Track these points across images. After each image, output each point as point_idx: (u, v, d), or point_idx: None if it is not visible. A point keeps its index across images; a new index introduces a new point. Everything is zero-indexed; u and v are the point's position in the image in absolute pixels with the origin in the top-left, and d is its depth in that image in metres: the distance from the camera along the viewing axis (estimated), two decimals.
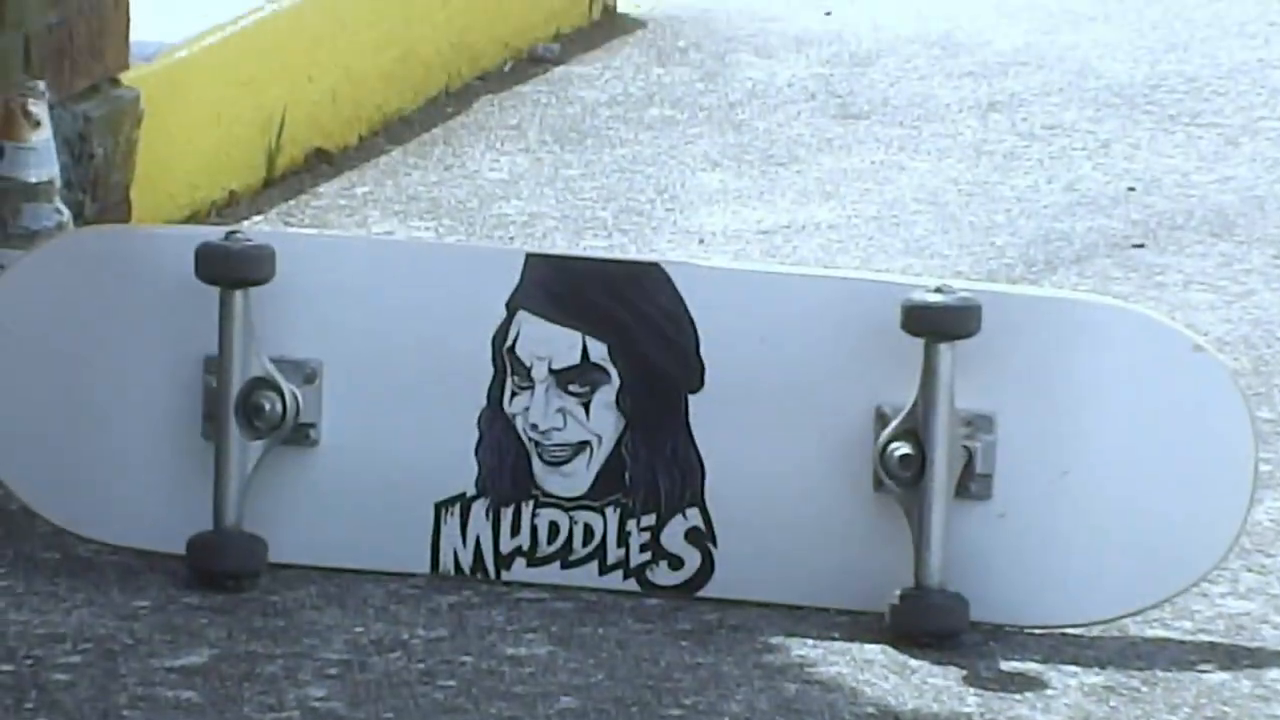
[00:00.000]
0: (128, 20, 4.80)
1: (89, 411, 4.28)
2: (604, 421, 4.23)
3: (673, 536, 4.15)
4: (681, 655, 4.02)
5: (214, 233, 4.27)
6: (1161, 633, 4.00)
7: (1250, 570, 4.03)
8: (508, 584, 4.18)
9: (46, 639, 3.97)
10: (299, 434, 4.23)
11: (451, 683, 3.92)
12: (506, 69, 5.30)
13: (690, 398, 4.15)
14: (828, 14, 5.39)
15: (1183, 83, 5.23)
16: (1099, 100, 5.11)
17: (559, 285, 4.24)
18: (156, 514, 4.19)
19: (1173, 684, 3.99)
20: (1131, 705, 3.91)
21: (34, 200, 4.55)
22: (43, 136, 4.59)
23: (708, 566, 4.12)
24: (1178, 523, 4.08)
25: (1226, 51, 5.38)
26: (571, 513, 4.18)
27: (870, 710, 3.86)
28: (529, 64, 5.29)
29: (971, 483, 3.97)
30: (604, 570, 4.15)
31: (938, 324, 3.96)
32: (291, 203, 4.85)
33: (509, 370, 4.25)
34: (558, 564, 4.18)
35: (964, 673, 3.88)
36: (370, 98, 5.10)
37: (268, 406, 4.14)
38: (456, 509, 4.20)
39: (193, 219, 4.65)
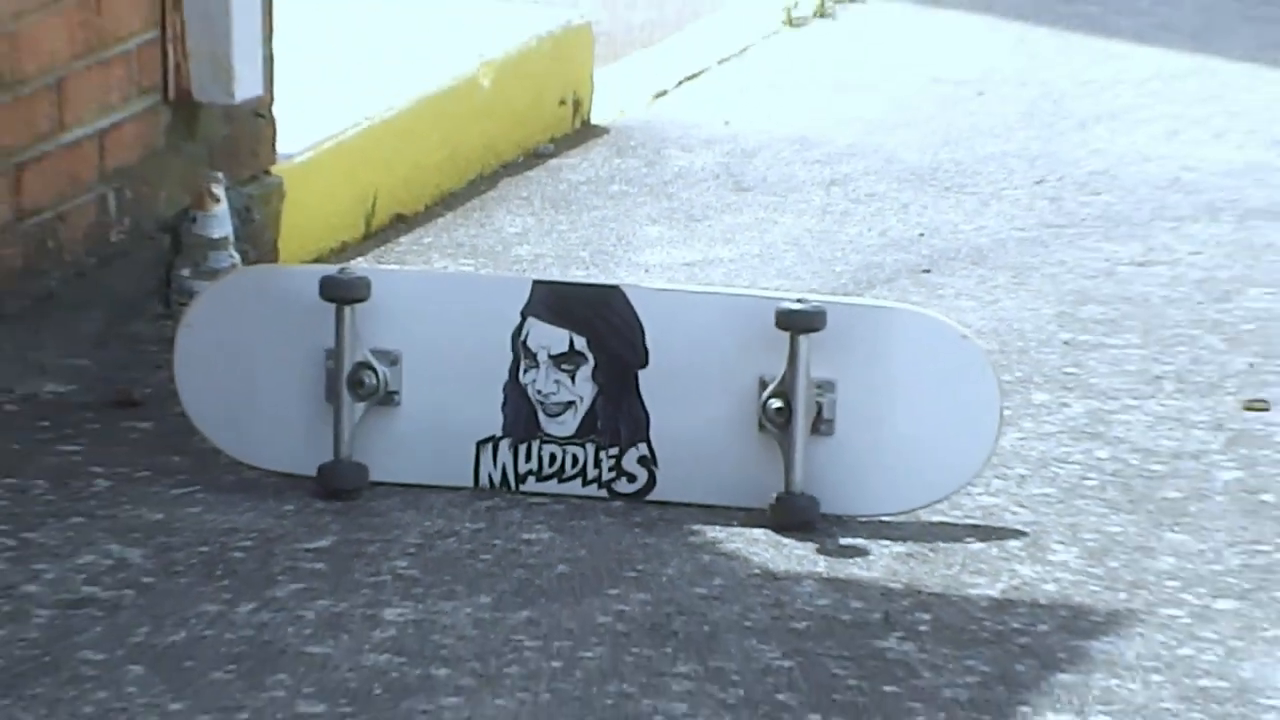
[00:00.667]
0: (274, 133, 4.92)
1: (252, 383, 4.39)
2: (584, 388, 4.36)
3: (629, 461, 4.32)
4: (635, 538, 4.18)
5: (330, 269, 4.44)
6: (941, 518, 4.17)
7: (998, 478, 4.15)
8: (523, 494, 4.31)
9: (228, 530, 4.14)
10: (388, 398, 4.37)
11: (487, 557, 4.09)
12: (520, 161, 5.45)
13: (640, 373, 4.32)
14: (726, 123, 5.53)
15: (954, 165, 5.39)
16: (900, 177, 5.25)
17: (554, 300, 4.39)
18: (297, 449, 4.34)
19: (949, 551, 4.14)
20: (923, 564, 4.08)
21: (216, 250, 4.68)
22: (221, 208, 4.70)
23: (652, 481, 4.29)
24: (952, 447, 4.26)
25: (982, 145, 5.54)
26: (564, 447, 4.34)
27: (756, 571, 4.04)
28: (534, 158, 5.36)
29: (820, 425, 4.17)
30: (585, 484, 4.33)
31: (798, 323, 4.16)
32: (380, 249, 4.99)
33: (522, 355, 4.38)
34: (555, 480, 4.35)
35: (816, 545, 4.05)
36: (431, 180, 5.20)
37: (368, 381, 4.30)
38: (489, 445, 4.35)
39: (317, 260, 4.79)
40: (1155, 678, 3.70)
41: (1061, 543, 4.15)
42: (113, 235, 4.75)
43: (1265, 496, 4.24)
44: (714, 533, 4.19)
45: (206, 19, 4.79)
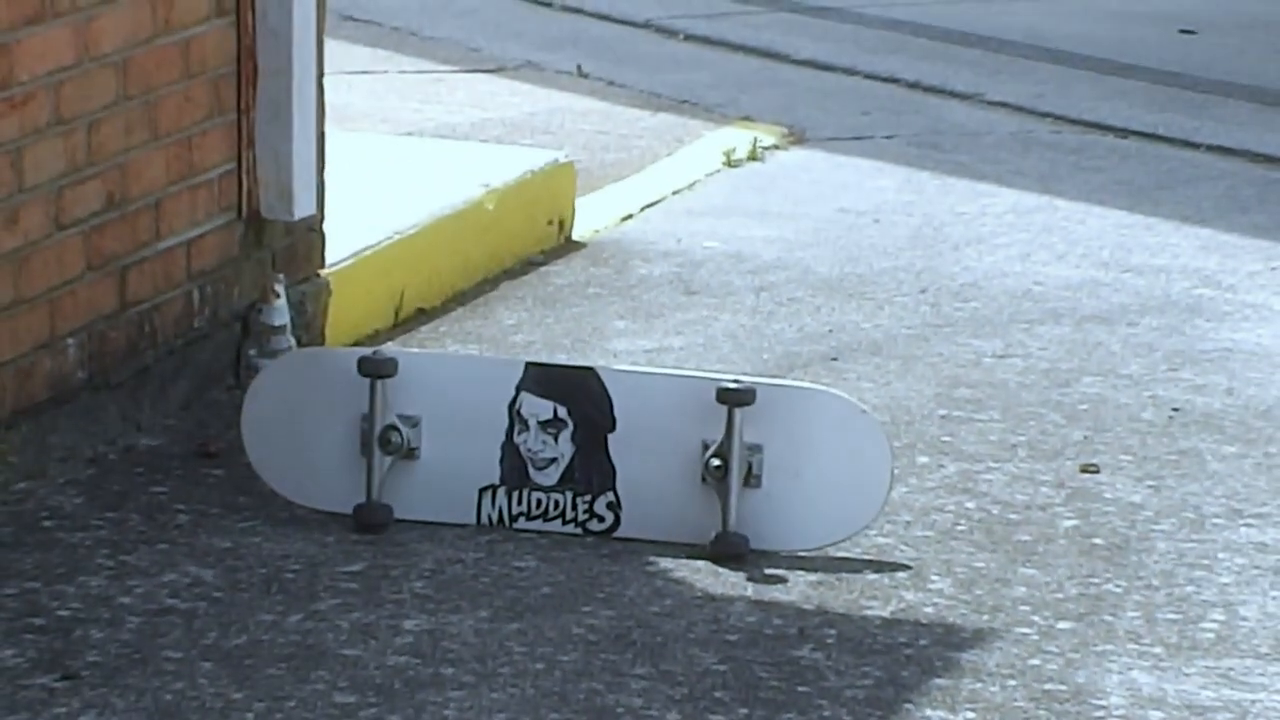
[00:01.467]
0: (323, 244, 4.91)
1: (303, 440, 4.35)
2: (565, 448, 4.30)
3: (599, 506, 4.27)
4: (603, 566, 4.14)
5: (366, 351, 4.40)
6: (845, 554, 4.13)
7: (889, 523, 4.11)
8: (515, 530, 4.27)
9: (282, 556, 4.12)
10: (410, 453, 4.30)
11: (486, 580, 4.07)
12: (516, 268, 5.42)
13: (609, 435, 4.27)
14: (678, 241, 5.51)
15: (855, 277, 5.36)
16: (814, 286, 5.20)
17: (542, 378, 4.36)
18: (337, 492, 4.29)
19: (850, 580, 4.11)
20: (830, 590, 4.05)
21: (277, 335, 4.68)
22: (281, 302, 4.69)
23: (617, 521, 4.24)
24: (853, 498, 4.23)
25: (878, 262, 5.53)
26: (548, 494, 4.28)
27: (698, 594, 4.03)
28: (528, 266, 5.34)
29: (750, 479, 4.11)
30: (564, 523, 4.27)
31: (734, 399, 4.11)
32: (405, 336, 4.96)
33: (516, 421, 4.32)
34: (541, 520, 4.29)
35: (746, 574, 4.04)
36: (446, 282, 5.16)
37: (394, 439, 4.24)
38: (489, 491, 4.29)
39: (355, 344, 4.78)
40: (1010, 682, 3.71)
41: (938, 575, 4.13)
42: (196, 322, 4.75)
43: (1096, 540, 4.23)
44: (665, 563, 4.16)
45: (273, 155, 4.80)
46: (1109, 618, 3.95)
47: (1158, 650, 3.83)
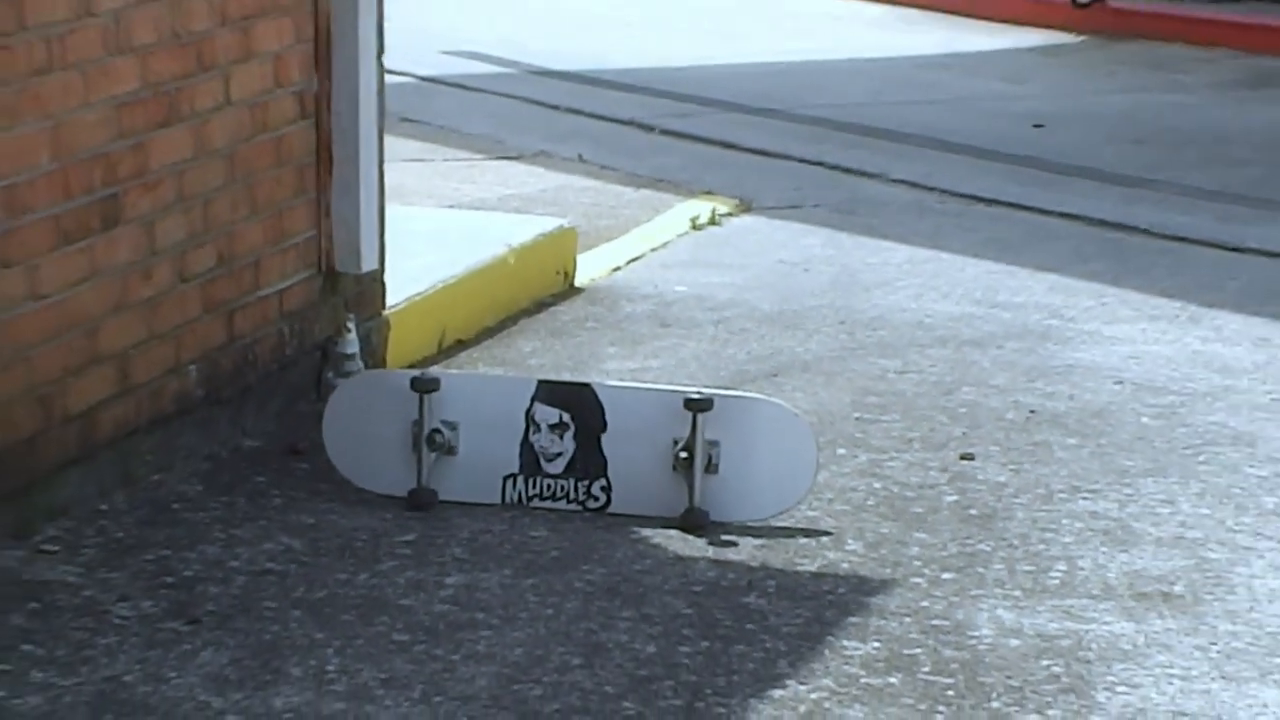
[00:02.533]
0: (384, 291, 4.91)
1: (368, 440, 4.33)
2: (568, 445, 4.27)
3: (595, 489, 4.25)
4: (599, 535, 4.13)
5: (416, 372, 4.41)
6: (782, 523, 4.16)
7: (815, 499, 4.18)
8: (531, 509, 4.24)
9: (352, 529, 4.12)
10: (450, 450, 4.26)
11: (509, 546, 4.06)
12: (532, 308, 5.40)
13: (601, 435, 4.25)
14: (655, 287, 5.51)
15: (791, 313, 5.31)
16: (759, 319, 5.17)
17: (550, 392, 4.33)
18: (395, 480, 4.28)
19: (786, 543, 4.10)
20: (771, 551, 4.05)
21: (349, 361, 4.68)
22: (352, 336, 4.73)
23: (609, 501, 4.23)
24: (788, 481, 4.21)
25: (807, 301, 5.51)
26: (556, 480, 4.27)
27: (670, 555, 4.02)
28: (540, 307, 5.41)
29: (710, 467, 4.12)
30: (568, 503, 4.25)
31: (697, 406, 4.12)
32: (446, 361, 4.95)
33: (530, 424, 4.30)
34: (550, 500, 4.27)
35: (707, 539, 4.06)
36: (477, 320, 5.16)
37: (438, 439, 4.22)
38: (511, 479, 4.28)
39: (408, 367, 4.79)
40: (906, 619, 3.72)
41: (852, 539, 4.12)
42: (287, 351, 4.74)
43: (971, 510, 4.23)
44: (645, 532, 4.14)
45: (345, 224, 4.79)
46: (980, 570, 3.96)
47: (1016, 593, 3.84)
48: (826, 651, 3.58)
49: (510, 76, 8.40)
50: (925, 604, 3.79)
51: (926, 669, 3.52)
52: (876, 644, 3.61)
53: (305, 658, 3.50)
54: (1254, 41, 8.10)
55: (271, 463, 4.45)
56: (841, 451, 4.48)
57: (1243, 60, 8.18)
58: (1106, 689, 3.45)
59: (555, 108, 7.88)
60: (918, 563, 3.99)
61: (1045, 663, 3.54)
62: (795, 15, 9.73)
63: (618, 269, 5.85)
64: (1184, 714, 3.37)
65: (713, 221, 6.28)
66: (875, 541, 4.09)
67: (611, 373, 4.91)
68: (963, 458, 4.49)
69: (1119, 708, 3.39)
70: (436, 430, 4.22)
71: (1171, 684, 3.47)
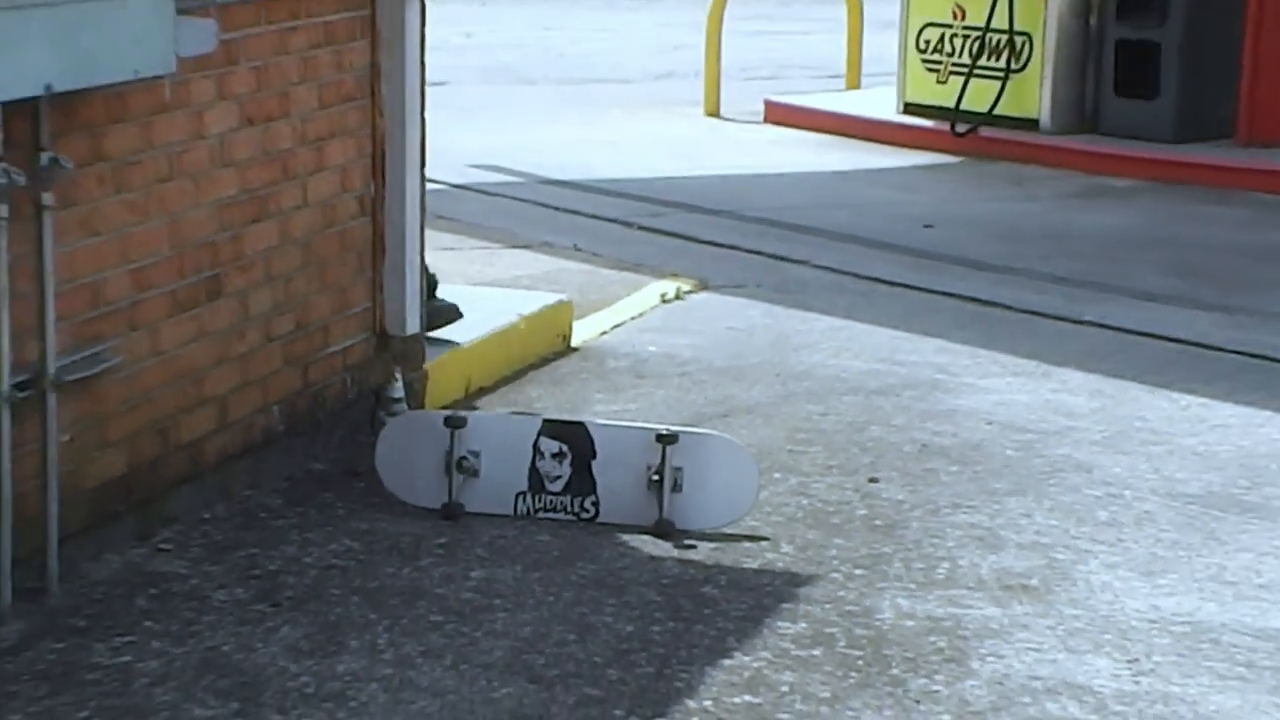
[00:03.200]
0: (423, 349, 4.87)
1: (411, 464, 4.29)
2: (566, 469, 4.19)
3: (587, 504, 4.18)
4: (590, 539, 4.08)
5: (447, 413, 4.37)
6: (730, 531, 4.13)
7: (757, 512, 4.16)
8: (536, 519, 4.17)
9: (398, 534, 4.07)
10: (474, 473, 4.18)
11: (519, 547, 4.01)
12: (537, 363, 5.32)
13: (592, 462, 4.17)
14: (633, 347, 5.42)
15: (737, 368, 5.19)
16: (713, 371, 5.04)
17: (552, 428, 4.25)
18: (432, 495, 4.20)
19: (733, 546, 4.08)
20: (721, 553, 4.02)
21: (397, 404, 4.64)
22: (399, 384, 4.67)
23: (598, 513, 4.16)
24: (735, 498, 4.18)
25: (752, 358, 5.39)
26: (556, 497, 4.20)
27: (645, 555, 3.99)
28: (543, 362, 5.38)
29: (676, 487, 4.09)
30: (566, 514, 4.18)
31: (666, 440, 4.08)
32: (470, 404, 4.93)
33: (536, 453, 4.21)
34: (552, 512, 4.18)
35: (673, 544, 4.03)
36: (496, 371, 5.15)
37: (465, 465, 4.16)
38: (522, 495, 4.21)
39: (441, 409, 4.70)
40: (827, 605, 3.71)
41: (786, 543, 4.10)
42: (348, 395, 4.71)
43: (877, 522, 4.20)
44: (625, 538, 4.10)
45: (394, 298, 4.77)
46: (884, 567, 3.94)
47: (911, 586, 3.84)
48: (765, 630, 3.58)
49: (521, 184, 8.35)
50: (841, 594, 3.79)
51: (842, 644, 3.51)
52: (804, 624, 3.61)
53: (362, 633, 3.50)
54: (1089, 164, 8.17)
55: (336, 482, 4.41)
56: (777, 476, 4.47)
57: (1080, 178, 8.21)
58: (979, 659, 3.46)
59: (556, 209, 7.84)
60: (835, 561, 3.97)
61: (933, 639, 3.55)
62: (740, 141, 9.75)
63: (604, 333, 5.82)
64: (1037, 678, 3.38)
65: (678, 297, 6.24)
66: (803, 545, 4.07)
67: (599, 413, 4.89)
68: (870, 481, 4.48)
69: (989, 674, 3.40)
70: (464, 457, 4.19)
71: (1029, 655, 3.48)
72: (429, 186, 5.06)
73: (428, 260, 5.04)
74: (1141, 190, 7.89)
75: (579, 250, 6.96)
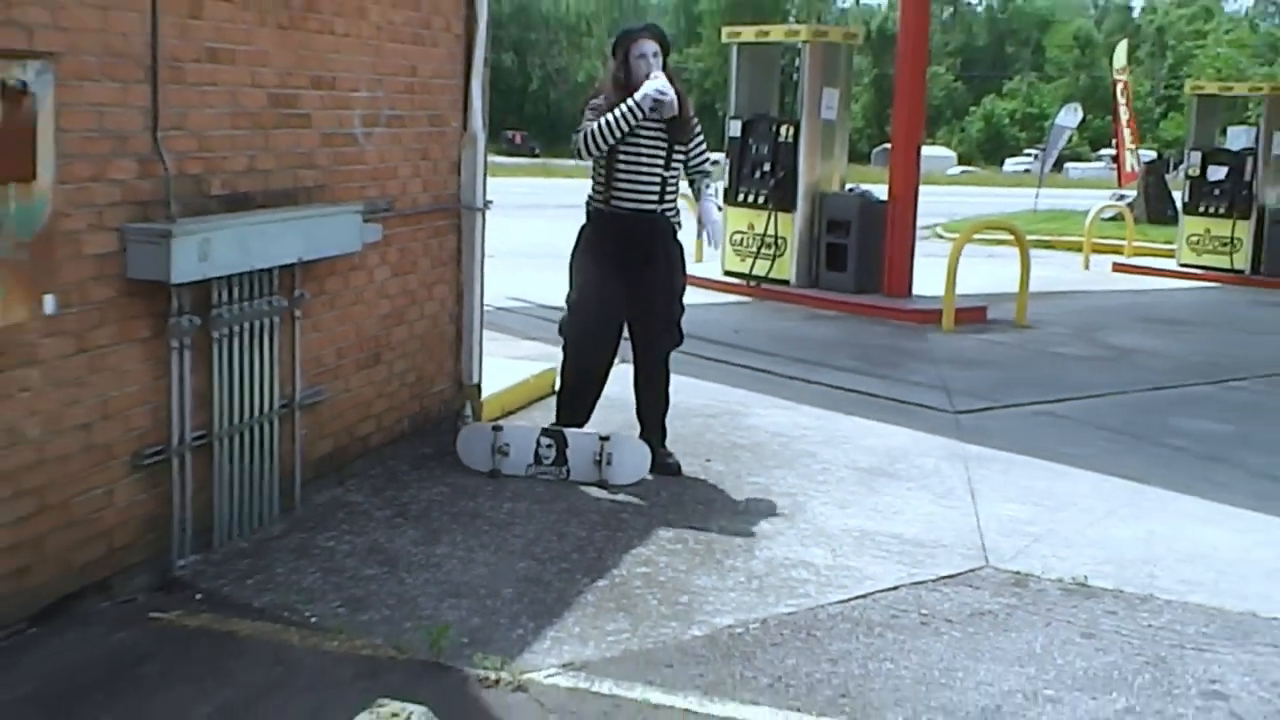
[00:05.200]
0: (481, 391, 4.64)
1: (473, 449, 4.00)
2: (553, 452, 3.91)
3: (564, 470, 3.90)
4: (564, 489, 3.83)
5: (493, 424, 4.09)
6: (634, 486, 3.83)
7: (649, 477, 3.94)
8: (538, 478, 3.88)
9: (465, 484, 3.84)
10: (506, 454, 3.94)
11: (529, 493, 3.78)
12: (538, 400, 4.99)
13: (566, 448, 3.88)
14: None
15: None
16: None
17: (545, 431, 3.97)
18: (484, 464, 3.95)
19: (637, 491, 3.84)
20: (631, 497, 3.74)
21: (466, 419, 4.27)
22: (468, 407, 4.28)
23: (569, 475, 3.87)
24: (640, 467, 3.92)
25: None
26: (549, 467, 3.90)
27: (594, 497, 3.74)
28: (540, 399, 4.97)
29: (609, 461, 3.79)
30: (553, 476, 3.88)
31: (604, 439, 3.78)
32: (504, 419, 4.59)
33: (539, 445, 3.94)
34: (546, 475, 3.90)
35: (607, 492, 3.74)
36: (516, 404, 4.92)
37: (502, 449, 3.92)
38: (530, 465, 3.93)
39: (490, 420, 4.44)
40: (683, 524, 3.52)
41: (662, 490, 3.85)
42: (442, 414, 4.45)
43: (710, 481, 3.97)
44: (583, 488, 3.85)
45: (466, 365, 4.56)
46: (713, 505, 3.73)
47: (727, 514, 3.68)
48: (652, 536, 3.46)
49: (530, 308, 7.75)
50: (691, 518, 3.63)
51: (690, 543, 3.42)
52: (672, 532, 3.49)
53: (450, 535, 3.40)
54: (814, 303, 8.14)
55: (436, 459, 4.17)
56: (719, 468, 4.16)
57: (810, 310, 7.81)
58: (759, 549, 3.36)
59: (548, 320, 7.38)
60: (689, 501, 3.80)
61: (736, 540, 3.38)
62: None
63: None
64: (787, 559, 3.29)
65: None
66: (672, 493, 3.90)
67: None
68: (706, 461, 4.29)
69: (764, 556, 3.28)
70: (501, 446, 4.00)
71: (783, 548, 3.40)
72: (485, 308, 4.78)
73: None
74: (839, 317, 7.62)
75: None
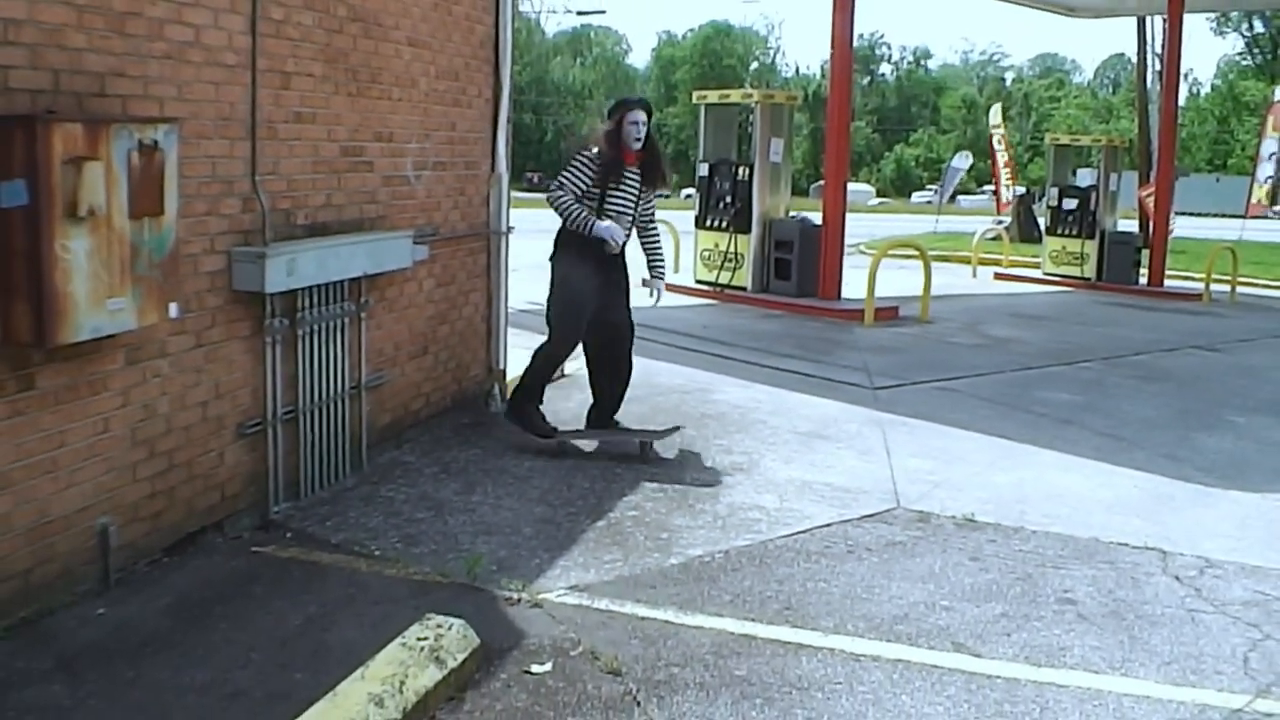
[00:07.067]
0: (505, 374, 4.37)
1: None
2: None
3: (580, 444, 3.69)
4: (584, 453, 3.72)
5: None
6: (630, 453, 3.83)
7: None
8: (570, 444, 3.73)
9: (494, 447, 3.72)
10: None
11: (543, 455, 3.67)
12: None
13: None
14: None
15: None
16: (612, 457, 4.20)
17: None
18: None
19: (629, 456, 3.77)
20: (622, 457, 3.66)
21: (493, 397, 4.27)
22: (495, 387, 4.26)
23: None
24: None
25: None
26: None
27: (629, 461, 3.63)
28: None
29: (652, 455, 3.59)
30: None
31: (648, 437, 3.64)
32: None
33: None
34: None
35: (596, 455, 3.71)
36: None
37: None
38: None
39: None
40: (664, 478, 3.47)
41: (658, 452, 3.76)
42: (477, 392, 4.24)
43: (683, 444, 3.87)
44: (618, 460, 3.66)
45: (495, 355, 4.42)
46: (687, 462, 3.69)
47: (697, 469, 3.62)
48: (639, 486, 3.42)
49: (545, 310, 7.66)
50: (670, 472, 3.59)
51: (669, 492, 3.36)
52: (655, 484, 3.45)
53: (483, 486, 3.37)
54: (765, 305, 7.99)
55: (472, 428, 4.07)
56: (691, 433, 4.04)
57: (762, 310, 7.59)
58: (723, 496, 3.27)
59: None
60: (668, 460, 3.71)
61: (705, 489, 3.36)
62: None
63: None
64: (745, 504, 3.25)
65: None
66: (658, 452, 3.81)
67: (578, 399, 4.29)
68: (677, 428, 4.04)
69: (726, 501, 3.25)
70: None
71: (741, 495, 3.35)
72: (509, 310, 4.61)
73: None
74: (784, 315, 7.35)
75: None
